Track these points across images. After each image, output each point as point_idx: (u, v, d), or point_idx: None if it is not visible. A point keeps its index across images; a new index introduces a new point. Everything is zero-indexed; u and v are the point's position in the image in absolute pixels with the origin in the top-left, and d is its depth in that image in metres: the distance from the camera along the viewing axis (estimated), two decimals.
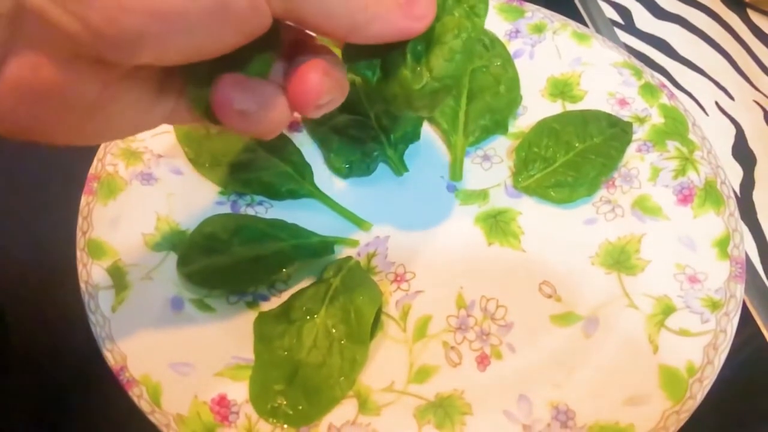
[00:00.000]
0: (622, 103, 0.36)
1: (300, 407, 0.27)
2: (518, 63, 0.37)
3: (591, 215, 0.33)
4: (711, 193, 0.33)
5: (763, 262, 0.35)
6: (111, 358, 0.28)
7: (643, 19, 0.47)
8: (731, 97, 0.42)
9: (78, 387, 0.30)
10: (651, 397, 0.27)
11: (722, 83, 0.43)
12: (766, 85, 0.43)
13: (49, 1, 0.14)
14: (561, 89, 0.37)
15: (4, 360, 0.31)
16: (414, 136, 0.35)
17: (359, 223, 0.33)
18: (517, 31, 0.39)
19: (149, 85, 0.19)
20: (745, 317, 0.32)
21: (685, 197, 0.33)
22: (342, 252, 0.32)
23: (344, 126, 0.34)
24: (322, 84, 0.20)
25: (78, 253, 0.30)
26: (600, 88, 0.37)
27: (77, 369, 0.30)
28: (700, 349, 0.28)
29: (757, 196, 0.38)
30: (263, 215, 0.33)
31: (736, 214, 0.32)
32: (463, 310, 0.30)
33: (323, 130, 0.35)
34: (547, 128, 0.35)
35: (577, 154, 0.34)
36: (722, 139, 0.40)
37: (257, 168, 0.33)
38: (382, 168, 0.35)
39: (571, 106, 0.37)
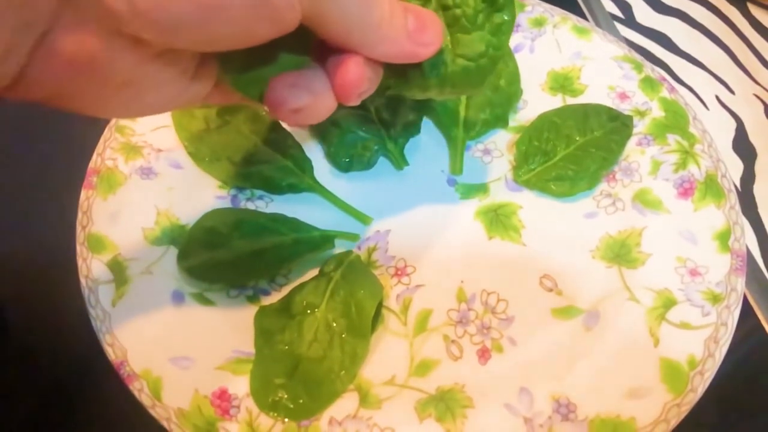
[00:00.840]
0: (623, 96, 0.36)
1: (301, 401, 0.27)
2: (518, 57, 0.37)
3: (592, 209, 0.33)
4: (711, 187, 0.33)
5: (763, 256, 0.35)
6: (111, 352, 0.27)
7: (644, 13, 0.46)
8: (732, 91, 0.42)
9: (78, 382, 0.30)
10: (652, 390, 0.27)
11: (723, 77, 0.43)
12: (766, 79, 0.43)
13: None
14: (561, 83, 0.37)
15: (4, 354, 0.31)
16: (414, 130, 0.35)
17: (360, 217, 0.33)
18: (518, 25, 0.39)
19: (184, 66, 0.20)
20: (746, 310, 0.32)
21: (685, 190, 0.33)
22: (342, 246, 0.32)
23: (344, 120, 0.34)
24: (364, 73, 0.20)
25: (78, 248, 0.30)
26: (600, 82, 0.37)
27: (78, 363, 0.30)
28: (701, 342, 0.28)
29: (758, 189, 0.38)
30: (263, 209, 0.33)
31: (737, 207, 0.32)
32: (464, 304, 0.30)
33: (323, 124, 0.34)
34: (547, 122, 0.35)
35: (578, 148, 0.34)
36: (723, 133, 0.40)
37: (257, 162, 0.33)
38: (382, 162, 0.35)
39: (571, 100, 0.37)
